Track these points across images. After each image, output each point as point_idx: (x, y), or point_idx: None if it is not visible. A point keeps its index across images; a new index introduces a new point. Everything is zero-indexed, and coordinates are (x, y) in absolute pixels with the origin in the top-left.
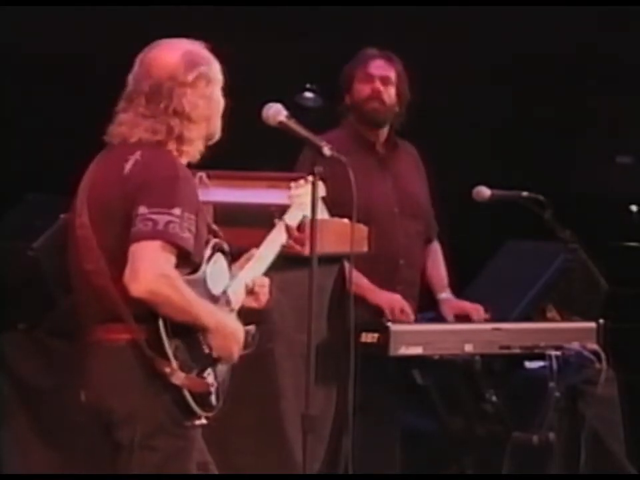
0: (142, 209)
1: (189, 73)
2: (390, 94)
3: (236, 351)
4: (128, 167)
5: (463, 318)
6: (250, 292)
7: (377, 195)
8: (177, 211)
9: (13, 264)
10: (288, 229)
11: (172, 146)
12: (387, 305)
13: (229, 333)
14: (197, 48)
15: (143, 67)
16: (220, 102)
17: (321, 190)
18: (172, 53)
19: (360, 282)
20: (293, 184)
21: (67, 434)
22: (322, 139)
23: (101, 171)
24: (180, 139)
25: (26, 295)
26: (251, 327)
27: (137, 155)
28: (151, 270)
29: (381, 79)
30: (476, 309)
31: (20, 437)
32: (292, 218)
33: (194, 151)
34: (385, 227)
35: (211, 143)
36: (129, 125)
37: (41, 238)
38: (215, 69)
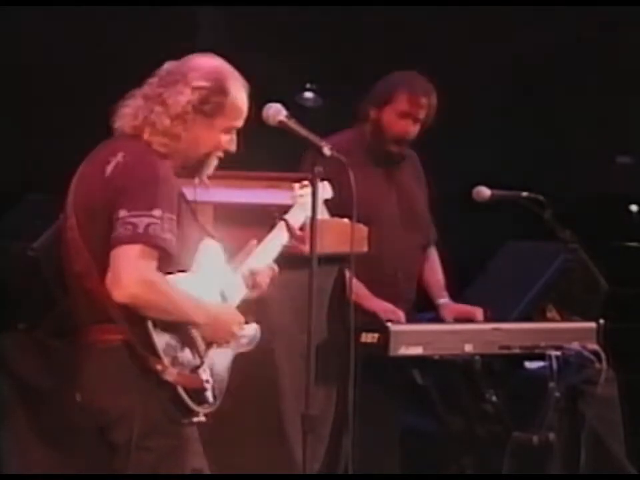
0: (122, 213)
1: (199, 80)
2: (416, 130)
3: (231, 338)
4: (109, 169)
5: (463, 322)
6: (250, 282)
7: (381, 209)
8: (157, 213)
9: (13, 264)
10: (290, 228)
11: (147, 133)
12: (381, 311)
13: (222, 323)
14: (232, 76)
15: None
16: (213, 132)
17: (327, 192)
18: (209, 60)
19: (357, 290)
20: (297, 185)
21: (67, 434)
22: (332, 139)
23: (86, 173)
24: (153, 127)
25: (26, 295)
26: (254, 325)
27: (119, 156)
28: (132, 275)
29: (416, 119)
30: (475, 313)
31: (20, 437)
32: (294, 217)
33: (169, 146)
34: (388, 240)
35: (194, 163)
36: (132, 105)
37: (41, 238)
38: (227, 102)
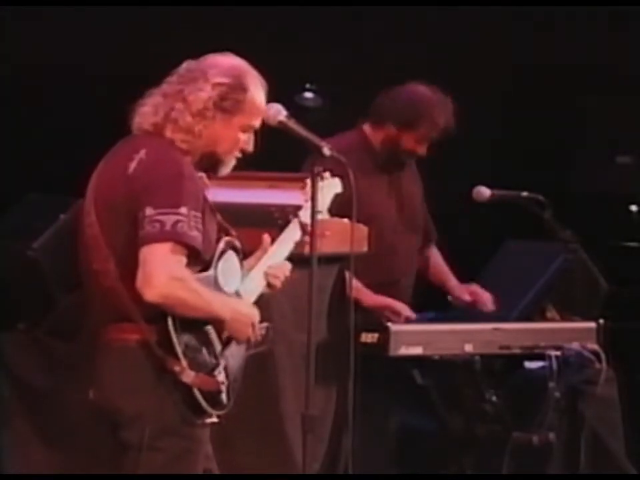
0: (149, 210)
1: (218, 77)
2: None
3: (250, 332)
4: (132, 166)
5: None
6: (272, 279)
7: (382, 212)
8: (183, 210)
9: (13, 264)
10: (302, 226)
11: (169, 130)
12: (383, 305)
13: (245, 319)
14: (251, 74)
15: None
16: (232, 130)
17: (337, 187)
18: (228, 58)
19: (357, 287)
20: (309, 181)
21: (67, 434)
22: (334, 141)
23: (107, 170)
24: (175, 124)
25: (26, 295)
26: (263, 325)
27: (142, 153)
28: (163, 274)
29: (432, 141)
30: (487, 297)
31: (20, 436)
32: (307, 215)
33: (191, 143)
34: (390, 245)
35: (211, 161)
36: (151, 102)
37: (40, 238)
38: (246, 99)
